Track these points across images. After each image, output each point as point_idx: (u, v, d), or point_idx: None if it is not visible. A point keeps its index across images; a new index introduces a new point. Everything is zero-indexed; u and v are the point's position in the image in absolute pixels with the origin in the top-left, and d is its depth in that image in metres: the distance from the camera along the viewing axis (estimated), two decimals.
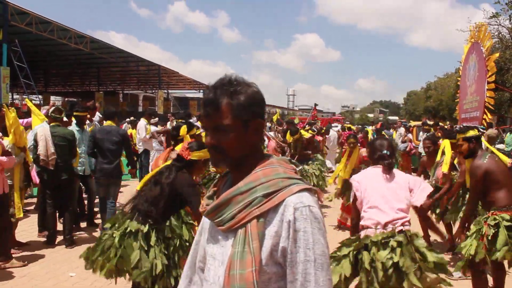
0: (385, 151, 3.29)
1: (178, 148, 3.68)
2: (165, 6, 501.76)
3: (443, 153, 5.38)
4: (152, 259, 2.93)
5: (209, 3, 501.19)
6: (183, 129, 4.77)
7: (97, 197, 6.42)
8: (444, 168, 5.15)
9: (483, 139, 4.01)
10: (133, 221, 3.05)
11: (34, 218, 6.30)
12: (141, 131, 9.96)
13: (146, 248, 2.95)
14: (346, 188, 6.13)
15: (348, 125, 14.33)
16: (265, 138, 6.70)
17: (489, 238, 3.43)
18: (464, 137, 3.97)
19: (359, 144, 7.11)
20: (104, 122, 6.53)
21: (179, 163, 3.22)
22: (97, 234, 6.08)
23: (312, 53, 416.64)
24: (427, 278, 2.78)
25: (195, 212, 3.08)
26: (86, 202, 6.79)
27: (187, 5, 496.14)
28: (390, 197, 3.09)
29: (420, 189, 3.20)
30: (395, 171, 3.31)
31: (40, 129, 5.48)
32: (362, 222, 3.14)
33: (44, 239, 5.60)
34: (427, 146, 5.75)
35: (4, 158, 4.57)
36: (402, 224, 3.01)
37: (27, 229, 6.04)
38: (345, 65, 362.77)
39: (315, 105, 23.38)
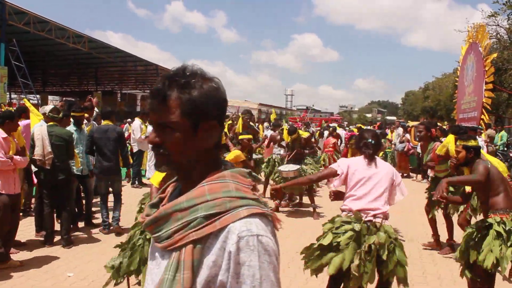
0: (370, 140, 3.45)
1: None
2: (163, 6, 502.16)
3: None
4: None
5: (206, 3, 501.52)
6: None
7: (96, 196, 6.43)
8: (440, 150, 5.19)
9: (482, 151, 3.98)
10: None
11: (31, 218, 6.29)
12: (136, 132, 9.89)
13: None
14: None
15: (359, 125, 14.34)
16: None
17: (476, 240, 3.49)
18: (464, 144, 3.90)
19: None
20: (102, 121, 6.77)
21: None
22: (96, 234, 6.08)
23: (311, 53, 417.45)
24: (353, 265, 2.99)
25: None
26: (84, 202, 6.77)
27: (185, 5, 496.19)
28: (369, 187, 3.26)
29: (400, 186, 3.41)
30: (379, 161, 3.44)
31: (37, 129, 5.48)
32: (341, 207, 3.39)
33: (42, 239, 5.59)
34: (419, 130, 5.82)
35: (18, 158, 4.65)
36: (374, 216, 3.16)
37: (24, 229, 6.02)
38: (343, 65, 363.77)
39: (307, 108, 23.61)
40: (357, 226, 3.07)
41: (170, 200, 1.14)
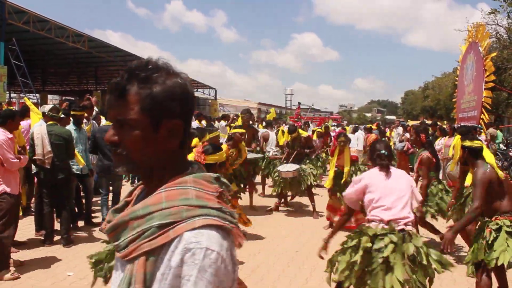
0: (382, 151, 3.50)
1: (191, 156, 3.53)
2: (162, 5, 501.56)
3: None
4: None
5: (206, 2, 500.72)
6: (195, 141, 4.63)
7: (96, 195, 6.43)
8: (451, 167, 5.20)
9: (486, 150, 3.98)
10: None
11: (31, 217, 6.29)
12: None
13: None
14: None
15: (369, 125, 14.08)
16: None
17: (489, 242, 3.49)
18: (462, 144, 3.98)
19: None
20: (104, 121, 6.99)
21: None
22: (96, 233, 6.08)
23: (310, 53, 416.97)
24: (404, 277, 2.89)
25: None
26: (83, 201, 6.78)
27: (184, 4, 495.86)
28: (394, 196, 3.26)
29: (414, 193, 3.44)
30: (394, 170, 3.49)
31: (36, 128, 5.49)
32: (368, 217, 3.34)
33: (42, 238, 5.59)
34: (411, 134, 5.88)
35: (21, 157, 4.66)
36: (405, 224, 3.15)
37: (24, 228, 6.02)
38: (343, 65, 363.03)
39: (299, 103, 23.69)
40: (394, 237, 3.03)
41: (136, 203, 1.04)
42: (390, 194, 3.28)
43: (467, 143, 3.92)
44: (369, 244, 3.02)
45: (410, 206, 3.29)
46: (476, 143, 3.91)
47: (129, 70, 1.00)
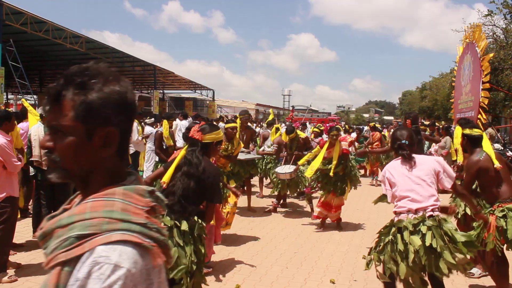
0: (403, 141, 3.44)
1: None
2: (159, 6, 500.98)
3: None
4: (190, 254, 2.88)
5: (203, 3, 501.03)
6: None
7: None
8: (460, 158, 5.19)
9: (485, 137, 4.04)
10: (166, 217, 2.97)
11: (28, 219, 6.27)
12: (133, 133, 9.48)
13: (182, 245, 2.90)
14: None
15: (373, 124, 14.72)
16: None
17: (499, 229, 3.58)
18: (462, 132, 4.07)
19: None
20: None
21: (196, 147, 3.07)
22: None
23: (307, 53, 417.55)
24: (456, 258, 2.96)
25: (210, 209, 2.95)
26: None
27: (182, 5, 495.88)
28: (417, 186, 3.26)
29: (446, 172, 3.35)
30: (418, 157, 3.41)
31: (34, 130, 5.48)
32: (395, 209, 3.35)
33: None
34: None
35: (21, 159, 4.68)
36: (432, 210, 3.19)
37: (22, 230, 6.00)
38: (340, 65, 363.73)
39: (293, 107, 23.92)
40: (429, 223, 3.09)
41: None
42: (414, 184, 3.27)
43: (467, 131, 4.01)
44: (414, 241, 3.03)
45: (436, 192, 3.27)
46: (475, 131, 3.96)
47: (66, 75, 0.98)
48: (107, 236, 0.87)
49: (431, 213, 3.17)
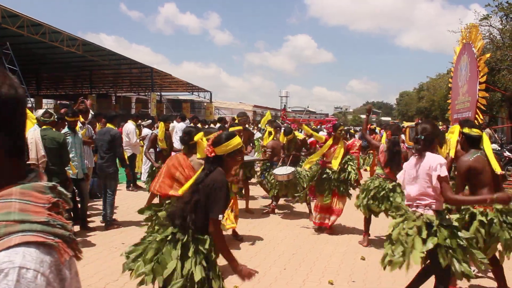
0: (419, 136, 3.48)
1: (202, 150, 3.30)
2: (156, 8, 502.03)
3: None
4: (188, 270, 2.72)
5: (199, 5, 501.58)
6: (199, 135, 4.48)
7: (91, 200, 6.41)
8: (451, 152, 5.18)
9: (485, 139, 3.99)
10: (170, 227, 2.89)
11: None
12: (132, 136, 9.46)
13: (183, 258, 2.77)
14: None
15: (373, 126, 14.67)
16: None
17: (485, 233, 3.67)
18: (461, 130, 4.12)
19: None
20: (102, 124, 7.33)
21: (208, 164, 2.92)
22: (91, 238, 6.05)
23: (304, 54, 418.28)
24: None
25: (214, 221, 2.75)
26: (79, 205, 6.74)
27: (178, 7, 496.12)
28: (412, 182, 3.42)
29: (437, 170, 3.33)
30: (428, 155, 3.39)
31: (30, 133, 5.47)
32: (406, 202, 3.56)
33: None
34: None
35: None
36: (416, 207, 3.37)
37: None
38: (337, 66, 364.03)
39: (285, 106, 23.93)
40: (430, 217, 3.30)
41: None
42: (411, 180, 3.43)
43: (466, 130, 4.02)
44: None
45: (429, 190, 3.32)
46: (474, 131, 3.93)
47: None
48: (7, 240, 0.83)
49: (415, 209, 3.37)
